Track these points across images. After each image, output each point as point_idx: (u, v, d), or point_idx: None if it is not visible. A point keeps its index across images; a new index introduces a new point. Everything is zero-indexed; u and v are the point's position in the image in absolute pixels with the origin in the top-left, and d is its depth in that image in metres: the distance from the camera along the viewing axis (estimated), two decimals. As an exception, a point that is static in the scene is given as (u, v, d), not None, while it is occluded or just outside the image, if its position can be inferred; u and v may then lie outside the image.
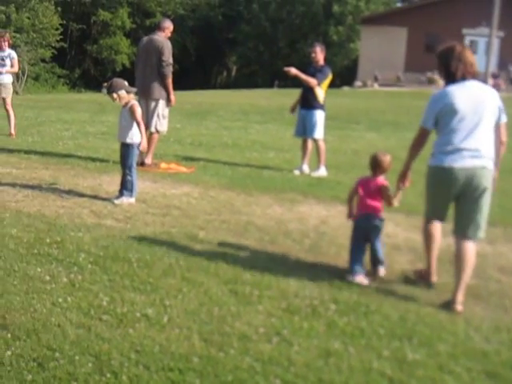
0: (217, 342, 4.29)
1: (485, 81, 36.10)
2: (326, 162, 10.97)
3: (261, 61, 63.74)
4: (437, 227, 5.62)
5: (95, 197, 8.21)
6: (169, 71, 10.56)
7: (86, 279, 5.30)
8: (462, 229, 5.34)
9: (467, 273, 5.26)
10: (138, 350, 4.10)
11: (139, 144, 8.10)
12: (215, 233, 6.86)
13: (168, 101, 10.71)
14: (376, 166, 5.85)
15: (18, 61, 14.89)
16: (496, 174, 5.44)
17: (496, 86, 41.93)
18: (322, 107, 10.97)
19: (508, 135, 5.55)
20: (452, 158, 5.22)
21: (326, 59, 11.23)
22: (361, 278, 5.61)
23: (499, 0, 36.75)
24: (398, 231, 7.29)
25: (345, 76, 51.40)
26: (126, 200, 8.02)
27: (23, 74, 46.11)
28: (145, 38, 10.97)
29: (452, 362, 4.19)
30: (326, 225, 7.50)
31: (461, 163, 5.20)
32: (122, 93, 8.12)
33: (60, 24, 54.09)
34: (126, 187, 8.09)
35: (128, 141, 8.10)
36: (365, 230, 5.82)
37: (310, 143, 11.11)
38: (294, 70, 10.85)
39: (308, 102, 10.95)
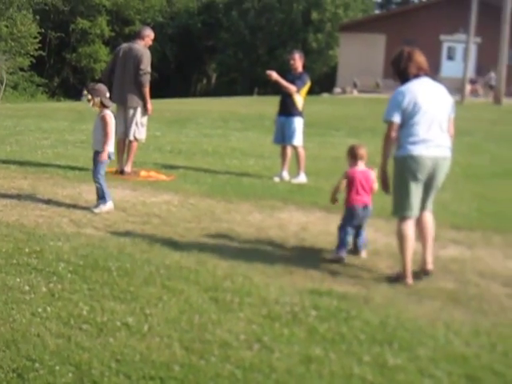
0: (198, 349, 4.28)
1: (462, 86, 36.41)
2: (306, 169, 10.99)
3: (240, 68, 63.81)
4: (410, 227, 5.88)
5: (74, 206, 8.17)
6: (146, 80, 10.54)
7: (66, 289, 5.27)
8: (426, 205, 6.00)
9: (432, 237, 6.08)
10: (118, 359, 4.08)
11: (110, 153, 8.19)
12: (195, 240, 6.85)
13: (145, 109, 10.70)
14: (354, 155, 6.64)
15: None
16: None
17: (474, 92, 42.30)
18: (300, 114, 10.99)
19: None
20: (420, 148, 5.71)
21: (304, 66, 11.26)
22: (343, 254, 6.42)
23: (476, 7, 37.10)
24: (377, 236, 7.31)
25: (324, 83, 51.59)
26: (104, 207, 7.99)
27: (1, 83, 45.91)
28: (123, 46, 10.93)
29: (432, 366, 4.21)
30: (306, 231, 7.51)
31: (428, 152, 5.73)
32: (98, 100, 8.20)
33: (38, 32, 53.90)
34: (98, 195, 8.11)
35: (98, 148, 8.20)
36: (362, 219, 6.56)
37: (289, 150, 11.13)
38: (275, 75, 10.88)
39: (287, 108, 10.96)
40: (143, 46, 10.68)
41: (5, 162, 11.16)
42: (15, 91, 52.95)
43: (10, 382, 3.79)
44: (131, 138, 10.62)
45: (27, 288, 5.25)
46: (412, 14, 49.37)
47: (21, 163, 11.15)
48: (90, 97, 8.24)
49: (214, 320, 4.76)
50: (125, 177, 10.35)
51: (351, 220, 6.53)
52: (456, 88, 30.20)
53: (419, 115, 5.71)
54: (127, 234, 7.00)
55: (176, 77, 62.99)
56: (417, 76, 5.84)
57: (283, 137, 11.05)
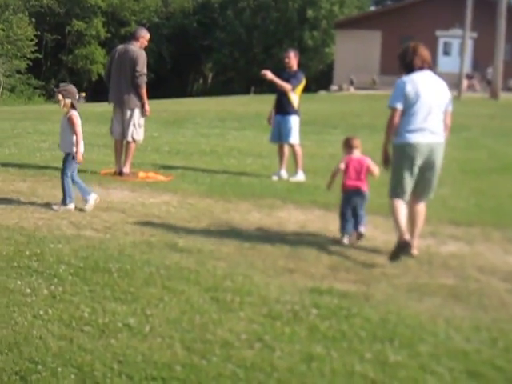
0: (199, 349, 4.29)
1: (459, 82, 36.41)
2: (304, 167, 11.01)
3: (237, 67, 63.78)
4: (401, 204, 6.45)
5: (74, 208, 8.17)
6: (142, 81, 10.56)
7: (67, 291, 5.28)
8: (422, 193, 6.54)
9: (422, 224, 6.67)
10: (120, 361, 4.10)
11: (74, 154, 8.25)
12: (195, 240, 6.86)
13: (143, 110, 10.70)
14: (349, 145, 7.21)
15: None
16: None
17: (471, 87, 42.28)
18: (296, 112, 11.02)
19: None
20: (416, 135, 6.27)
21: (299, 64, 11.29)
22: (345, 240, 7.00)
23: (472, 2, 37.06)
24: (377, 234, 7.33)
25: (321, 80, 51.63)
26: (63, 207, 8.13)
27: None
28: (119, 47, 10.94)
29: (433, 362, 4.22)
30: (305, 230, 7.52)
31: (424, 139, 6.28)
32: (68, 101, 8.28)
33: (35, 35, 53.90)
34: (62, 193, 8.23)
35: (66, 150, 8.30)
36: (356, 202, 7.00)
37: (286, 148, 11.15)
38: (269, 75, 10.94)
39: (282, 107, 10.99)
40: (138, 47, 10.69)
41: (4, 164, 11.15)
42: (12, 94, 52.90)
43: (13, 384, 3.81)
44: (129, 139, 10.64)
45: (28, 291, 5.25)
46: (407, 10, 49.29)
47: (19, 166, 11.15)
48: (60, 97, 8.29)
49: (215, 320, 4.77)
50: (123, 178, 10.36)
51: (347, 203, 7.04)
52: (453, 83, 30.14)
53: (418, 105, 6.26)
54: (127, 235, 7.01)
55: (172, 77, 62.99)
56: (421, 68, 6.40)
57: (280, 135, 11.07)
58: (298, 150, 11.06)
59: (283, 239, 7.05)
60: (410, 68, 6.42)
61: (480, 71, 45.43)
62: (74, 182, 8.29)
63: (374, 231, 7.42)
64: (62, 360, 4.08)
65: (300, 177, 10.91)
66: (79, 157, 8.24)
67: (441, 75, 7.02)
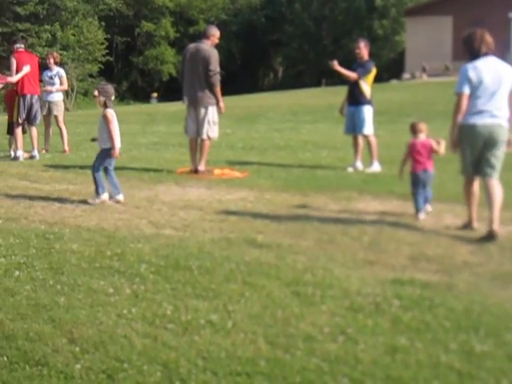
0: (282, 344, 4.29)
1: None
2: (380, 157, 10.91)
3: (307, 60, 63.57)
4: (474, 184, 6.94)
5: (152, 207, 8.28)
6: (216, 80, 10.60)
7: (149, 289, 5.34)
8: (485, 171, 6.78)
9: (498, 203, 6.68)
10: (204, 357, 4.12)
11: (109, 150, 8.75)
12: (273, 235, 6.86)
13: (218, 108, 10.75)
14: (415, 129, 7.83)
15: (67, 78, 15.14)
16: (510, 135, 6.89)
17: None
18: (369, 102, 10.96)
19: None
20: (476, 117, 6.71)
21: (370, 54, 11.21)
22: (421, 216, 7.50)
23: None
24: (457, 222, 7.21)
25: (392, 69, 51.00)
26: (98, 199, 8.61)
27: (72, 91, 46.76)
28: (191, 46, 11.00)
29: (522, 351, 4.12)
30: (383, 220, 7.44)
31: (481, 121, 6.71)
32: (102, 99, 8.74)
33: (105, 38, 54.79)
34: (94, 186, 8.72)
35: (102, 146, 8.80)
36: (424, 181, 7.60)
37: (360, 139, 11.08)
38: (336, 65, 10.92)
39: (355, 98, 10.95)
40: (210, 45, 10.74)
41: (81, 167, 11.35)
42: (86, 98, 53.88)
43: (101, 382, 3.86)
44: (204, 136, 10.70)
45: (111, 290, 5.33)
46: (478, -8, 48.28)
47: (97, 168, 11.31)
48: (96, 93, 8.77)
49: (297, 314, 4.76)
50: (199, 176, 10.44)
51: (416, 183, 7.60)
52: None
53: (480, 90, 6.70)
54: (205, 232, 7.05)
55: (243, 73, 63.20)
56: (486, 55, 6.78)
57: (354, 126, 11.00)
58: (373, 140, 10.97)
59: (362, 231, 6.99)
60: (475, 54, 6.81)
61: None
62: (108, 176, 8.76)
63: (455, 220, 7.31)
64: (147, 358, 4.13)
65: (376, 167, 10.81)
66: (116, 152, 8.69)
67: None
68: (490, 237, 6.53)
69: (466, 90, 6.74)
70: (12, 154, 13.44)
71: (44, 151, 14.04)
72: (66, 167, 11.61)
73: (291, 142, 14.65)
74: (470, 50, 6.88)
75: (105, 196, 8.63)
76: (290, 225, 7.32)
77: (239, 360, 4.07)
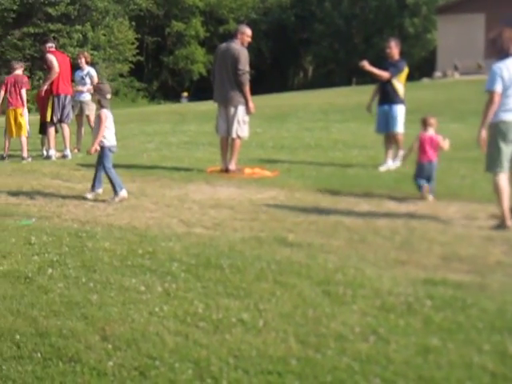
0: (313, 343, 4.28)
1: None
2: (410, 156, 10.84)
3: (337, 59, 63.39)
4: (503, 179, 6.99)
5: (183, 206, 8.31)
6: (246, 79, 10.60)
7: (181, 287, 5.36)
8: None
9: None
10: (236, 355, 4.13)
11: (111, 146, 9.00)
12: (304, 235, 6.86)
13: (247, 108, 10.75)
14: (425, 123, 8.53)
15: (98, 77, 15.24)
16: None
17: None
18: (402, 101, 10.95)
19: None
20: (507, 115, 6.92)
21: (401, 53, 11.18)
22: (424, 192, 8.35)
23: None
24: (490, 223, 7.16)
25: (423, 68, 50.69)
26: (117, 197, 8.70)
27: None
28: (222, 46, 11.04)
29: (557, 352, 4.08)
30: (415, 220, 7.40)
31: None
32: (96, 99, 9.01)
33: (135, 38, 55.15)
34: (111, 185, 8.81)
35: (101, 144, 8.86)
36: (428, 171, 8.36)
37: (392, 138, 11.05)
38: (366, 65, 10.89)
39: (388, 96, 10.92)
40: (240, 44, 10.74)
41: (113, 166, 11.39)
42: (116, 97, 54.17)
43: (134, 379, 3.89)
44: (234, 135, 10.71)
45: (143, 288, 5.36)
46: (511, -11, 47.78)
47: (128, 167, 11.41)
48: (92, 92, 8.96)
49: (328, 313, 4.75)
50: (230, 175, 10.46)
51: (421, 172, 8.39)
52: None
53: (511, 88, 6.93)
54: (236, 231, 7.06)
55: (272, 72, 63.21)
56: None
57: (386, 125, 10.98)
58: (400, 138, 10.96)
59: (393, 230, 6.96)
60: (505, 54, 6.99)
61: None
62: (101, 171, 8.93)
63: (487, 220, 7.25)
64: (178, 355, 4.15)
65: (395, 163, 10.83)
66: (92, 149, 8.84)
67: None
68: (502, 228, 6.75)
69: (499, 88, 6.90)
70: (44, 153, 13.58)
71: (76, 150, 14.15)
72: (97, 166, 11.67)
73: (322, 141, 14.62)
74: (498, 50, 7.08)
75: (123, 193, 8.74)
76: (321, 224, 7.30)
77: (270, 359, 4.07)
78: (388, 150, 11.04)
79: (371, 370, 3.91)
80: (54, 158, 13.05)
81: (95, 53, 47.54)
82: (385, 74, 10.79)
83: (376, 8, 61.55)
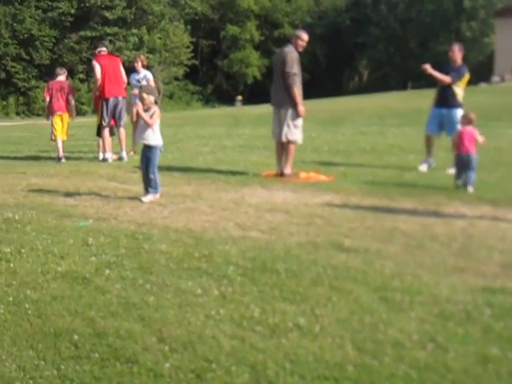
0: (370, 349, 4.24)
1: None
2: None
3: (392, 63, 63.02)
4: None
5: (238, 209, 8.33)
6: (292, 81, 10.55)
7: (237, 291, 5.37)
8: None
9: None
10: (292, 360, 4.11)
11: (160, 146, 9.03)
12: (360, 240, 6.81)
13: (296, 111, 10.72)
14: (466, 119, 9.50)
15: (154, 81, 15.39)
16: None
17: None
18: (461, 106, 10.93)
19: None
20: None
21: (464, 58, 11.13)
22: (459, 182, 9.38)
23: None
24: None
25: (481, 72, 49.98)
26: (153, 197, 8.97)
27: (159, 93, 47.47)
28: (278, 50, 11.14)
29: None
30: (473, 227, 7.30)
31: None
32: (150, 98, 8.93)
33: (190, 42, 55.65)
34: (150, 185, 9.02)
35: (151, 143, 8.91)
36: (466, 163, 9.25)
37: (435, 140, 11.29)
38: (429, 69, 10.89)
39: (447, 100, 10.91)
40: (291, 47, 10.74)
41: (168, 169, 11.53)
42: (171, 100, 54.77)
43: (190, 382, 3.89)
44: (283, 139, 10.71)
45: (199, 291, 5.38)
46: None
47: (183, 170, 11.50)
48: (144, 96, 8.90)
49: (385, 320, 4.71)
50: (285, 179, 10.46)
51: (459, 163, 9.36)
52: None
53: None
54: (292, 235, 7.05)
55: (327, 76, 63.09)
56: None
57: (439, 127, 11.04)
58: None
59: (451, 237, 6.87)
60: None
61: None
62: (152, 170, 8.99)
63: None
64: (235, 359, 4.15)
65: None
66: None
67: None
68: None
69: None
70: (101, 155, 13.76)
71: (132, 153, 14.31)
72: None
73: (377, 146, 14.54)
74: None
75: (159, 190, 9.06)
76: (377, 229, 7.25)
77: (327, 364, 4.05)
78: (430, 150, 11.21)
79: (429, 378, 3.86)
80: (110, 161, 13.22)
81: (151, 56, 48.07)
82: (446, 79, 10.73)
83: (432, 12, 61.06)
